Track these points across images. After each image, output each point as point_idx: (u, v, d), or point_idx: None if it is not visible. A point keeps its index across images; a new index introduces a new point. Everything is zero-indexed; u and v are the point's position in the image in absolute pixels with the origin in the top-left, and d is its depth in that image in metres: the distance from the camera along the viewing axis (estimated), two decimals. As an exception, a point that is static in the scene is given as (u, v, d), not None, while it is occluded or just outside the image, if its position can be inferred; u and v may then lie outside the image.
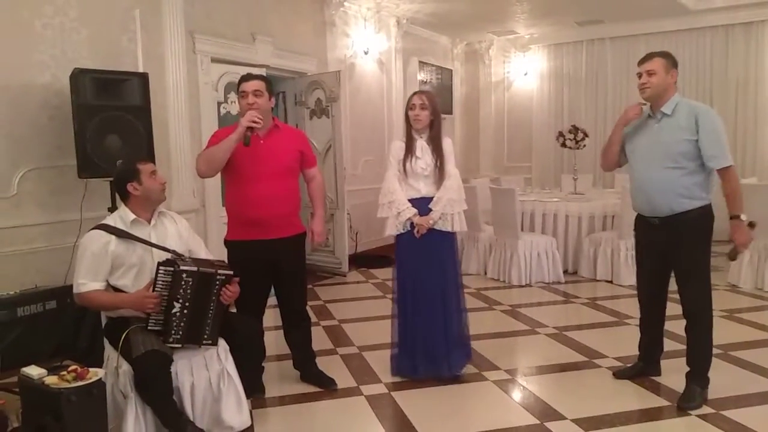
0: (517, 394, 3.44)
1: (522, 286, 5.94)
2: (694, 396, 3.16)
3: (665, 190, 3.09)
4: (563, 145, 7.21)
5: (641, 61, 3.19)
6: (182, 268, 2.59)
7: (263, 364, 3.50)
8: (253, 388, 3.24)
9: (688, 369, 3.25)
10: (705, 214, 3.12)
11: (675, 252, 3.17)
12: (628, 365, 3.63)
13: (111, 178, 3.48)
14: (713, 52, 8.13)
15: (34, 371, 2.36)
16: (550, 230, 6.41)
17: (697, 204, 3.09)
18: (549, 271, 6.07)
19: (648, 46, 8.23)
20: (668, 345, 3.61)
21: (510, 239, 6.05)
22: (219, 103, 5.48)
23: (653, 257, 3.30)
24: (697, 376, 3.21)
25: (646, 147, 3.20)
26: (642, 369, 3.54)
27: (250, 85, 3.17)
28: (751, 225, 3.07)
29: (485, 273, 6.41)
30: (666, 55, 3.16)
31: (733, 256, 3.16)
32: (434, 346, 3.53)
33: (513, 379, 3.63)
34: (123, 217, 2.75)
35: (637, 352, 3.59)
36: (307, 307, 3.61)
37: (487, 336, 4.40)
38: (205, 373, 2.70)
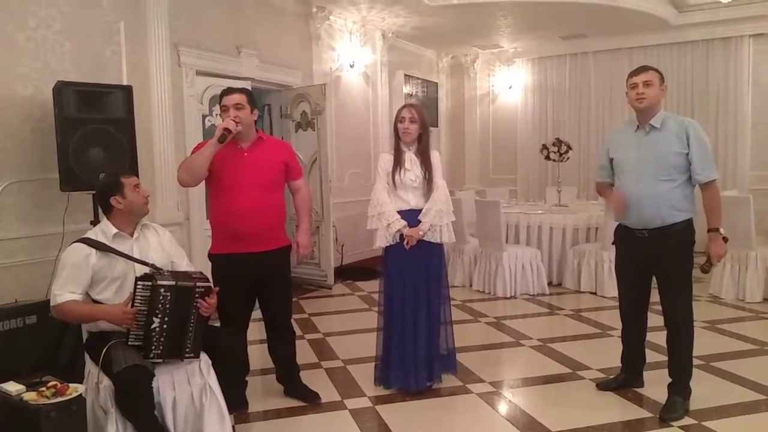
0: (501, 407, 3.44)
1: (507, 298, 5.96)
2: (676, 407, 3.19)
3: (659, 202, 3.12)
4: (547, 157, 7.28)
5: (636, 73, 3.21)
6: (160, 282, 2.57)
7: (246, 378, 3.47)
8: (236, 403, 3.21)
9: (669, 380, 3.28)
10: (689, 226, 3.18)
11: (660, 263, 3.20)
12: (611, 377, 3.65)
13: (94, 192, 3.47)
14: (694, 66, 8.25)
15: (12, 387, 2.33)
16: (534, 242, 6.45)
17: (684, 216, 3.15)
18: (534, 282, 6.10)
19: (630, 60, 8.36)
20: (651, 356, 3.64)
21: (495, 251, 6.08)
22: (204, 116, 5.47)
23: (637, 269, 3.32)
24: (679, 386, 3.24)
25: (636, 160, 3.21)
26: (625, 380, 3.56)
27: (231, 99, 3.17)
28: (725, 239, 3.14)
29: (470, 285, 6.42)
30: (658, 71, 3.22)
31: (706, 269, 3.19)
32: (418, 357, 3.54)
33: (497, 391, 3.64)
34: (105, 230, 2.73)
35: (620, 364, 3.61)
36: (292, 321, 3.59)
37: (471, 348, 4.40)
38: (187, 388, 2.67)
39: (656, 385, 3.44)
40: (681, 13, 7.89)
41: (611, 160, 3.39)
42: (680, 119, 3.21)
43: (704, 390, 3.42)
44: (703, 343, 4.23)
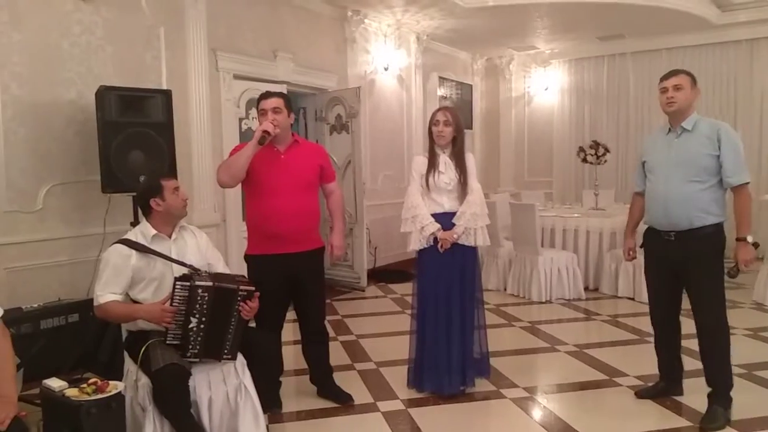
0: (536, 413, 3.40)
1: (542, 303, 5.88)
2: (716, 416, 3.10)
3: (687, 203, 3.09)
4: (584, 160, 7.16)
5: (666, 77, 3.21)
6: (197, 283, 2.61)
7: (281, 379, 3.51)
8: (270, 403, 3.24)
9: (710, 389, 3.19)
10: (719, 230, 3.13)
11: (689, 268, 3.14)
12: (650, 384, 3.57)
13: (134, 193, 3.55)
14: (737, 66, 8.04)
15: (55, 383, 2.39)
16: (570, 246, 6.36)
17: (714, 220, 3.10)
18: (569, 287, 6.01)
19: (670, 60, 8.19)
20: (692, 364, 3.54)
21: (530, 255, 6.01)
22: (240, 119, 5.55)
23: (666, 273, 3.28)
24: (719, 396, 3.15)
25: (666, 161, 3.20)
26: (664, 388, 3.48)
27: (269, 103, 3.22)
28: (755, 245, 3.10)
29: (505, 289, 6.37)
30: (690, 74, 3.21)
31: (733, 273, 3.13)
32: (452, 361, 3.52)
33: (532, 397, 3.59)
34: (144, 232, 2.79)
35: (658, 372, 3.53)
36: (325, 322, 3.61)
37: (506, 353, 4.36)
38: (222, 387, 2.71)
39: (697, 393, 3.35)
40: (724, 12, 7.69)
41: (644, 164, 3.38)
42: (713, 122, 3.18)
43: (747, 400, 3.32)
44: (747, 352, 4.12)
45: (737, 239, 3.10)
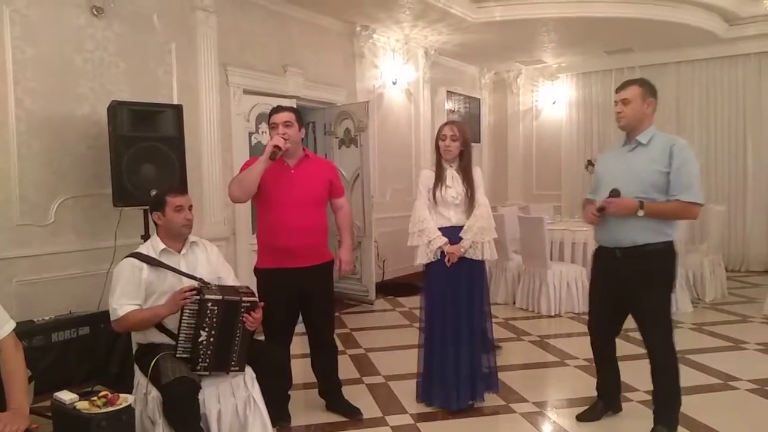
0: (545, 428, 3.38)
1: (551, 317, 5.86)
2: None
3: (629, 220, 2.91)
4: (593, 173, 7.15)
5: (617, 90, 3.08)
6: (207, 296, 2.64)
7: (289, 392, 3.51)
8: (279, 416, 3.23)
9: (715, 407, 3.16)
10: (668, 250, 2.98)
11: (636, 291, 3.01)
12: (587, 407, 3.45)
13: (145, 207, 3.59)
14: (746, 80, 8.03)
15: (66, 396, 2.40)
16: (579, 260, 6.32)
17: (661, 239, 2.95)
18: (579, 301, 5.97)
19: (678, 74, 8.21)
20: (701, 378, 3.51)
21: (539, 268, 6.00)
22: (250, 134, 5.60)
23: (610, 290, 3.16)
24: (664, 416, 3.05)
25: (616, 174, 3.04)
26: (603, 408, 3.41)
27: (281, 117, 3.25)
28: (616, 208, 2.90)
29: (513, 302, 6.34)
30: (643, 84, 3.03)
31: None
32: (460, 375, 3.51)
33: (542, 411, 3.57)
34: (154, 246, 2.83)
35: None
36: (334, 335, 3.62)
37: (515, 367, 4.34)
38: (231, 400, 2.72)
39: (713, 410, 3.32)
40: (732, 26, 7.68)
41: None
42: (669, 137, 3.00)
43: (760, 417, 3.29)
44: (759, 367, 4.08)
45: (641, 203, 2.87)
